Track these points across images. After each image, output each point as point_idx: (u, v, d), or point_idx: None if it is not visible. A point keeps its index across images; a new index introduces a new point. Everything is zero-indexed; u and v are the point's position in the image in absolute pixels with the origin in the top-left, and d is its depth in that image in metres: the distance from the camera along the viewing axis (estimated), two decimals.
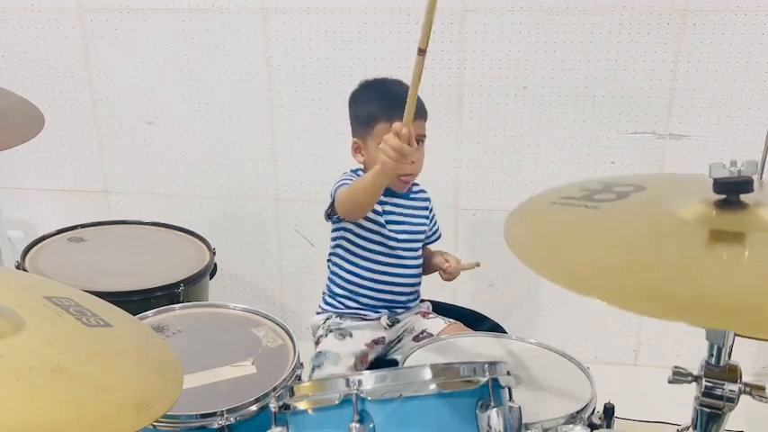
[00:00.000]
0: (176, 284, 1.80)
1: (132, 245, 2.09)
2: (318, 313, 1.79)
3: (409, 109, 1.39)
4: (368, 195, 1.56)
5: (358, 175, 1.69)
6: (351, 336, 1.70)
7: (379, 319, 1.74)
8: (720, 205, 0.95)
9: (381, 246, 1.70)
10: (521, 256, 0.92)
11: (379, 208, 1.68)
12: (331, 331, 1.72)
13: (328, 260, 1.78)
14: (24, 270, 1.87)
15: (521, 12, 2.16)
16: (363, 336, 1.71)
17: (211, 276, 1.99)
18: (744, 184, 0.93)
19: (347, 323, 1.73)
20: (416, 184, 1.79)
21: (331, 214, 1.69)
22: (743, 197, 0.94)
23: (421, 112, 1.65)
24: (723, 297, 0.81)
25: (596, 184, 1.13)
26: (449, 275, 1.77)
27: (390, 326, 1.74)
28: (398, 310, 1.77)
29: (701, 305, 0.81)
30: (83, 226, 2.14)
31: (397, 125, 1.41)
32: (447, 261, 1.77)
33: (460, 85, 2.26)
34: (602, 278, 0.88)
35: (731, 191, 0.94)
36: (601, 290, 0.85)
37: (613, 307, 0.81)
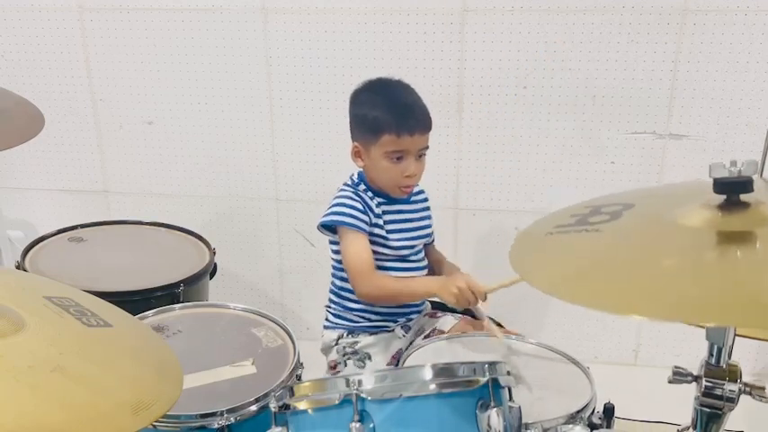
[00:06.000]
0: (176, 284, 1.80)
1: (132, 245, 2.09)
2: (327, 328, 1.75)
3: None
4: (405, 300, 1.69)
5: (358, 190, 1.65)
6: (370, 359, 1.68)
7: (393, 330, 1.72)
8: (723, 207, 0.94)
9: (390, 255, 1.68)
10: (550, 291, 0.90)
11: (380, 221, 1.66)
12: (348, 357, 1.69)
13: (333, 274, 1.74)
14: (24, 270, 1.87)
15: (521, 12, 2.16)
16: (382, 356, 1.69)
17: (211, 276, 1.99)
18: (744, 184, 0.93)
19: (361, 340, 1.71)
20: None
21: (329, 230, 1.67)
22: (744, 197, 0.94)
23: (425, 124, 1.62)
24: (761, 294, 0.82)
25: (583, 209, 1.11)
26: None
27: (405, 334, 1.73)
28: (413, 316, 1.75)
29: (746, 304, 0.81)
30: (83, 226, 2.14)
31: (480, 289, 1.51)
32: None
33: (460, 85, 2.26)
34: (642, 295, 0.86)
35: (731, 191, 0.94)
36: (644, 307, 0.85)
37: (658, 321, 0.81)
